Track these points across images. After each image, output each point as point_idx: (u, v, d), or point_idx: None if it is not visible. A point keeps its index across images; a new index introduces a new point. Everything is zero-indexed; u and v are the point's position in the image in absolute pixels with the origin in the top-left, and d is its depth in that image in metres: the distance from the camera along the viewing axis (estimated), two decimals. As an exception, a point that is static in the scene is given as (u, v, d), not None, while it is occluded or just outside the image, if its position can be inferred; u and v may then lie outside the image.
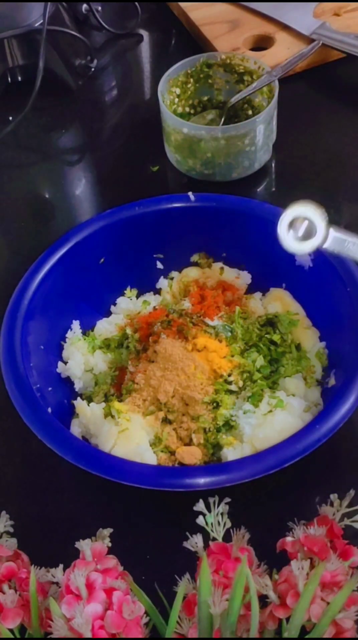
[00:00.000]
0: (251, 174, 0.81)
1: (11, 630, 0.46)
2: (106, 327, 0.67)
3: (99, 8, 0.99)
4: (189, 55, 0.82)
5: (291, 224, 0.54)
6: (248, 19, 0.97)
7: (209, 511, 0.46)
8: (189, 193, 0.68)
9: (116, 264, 0.68)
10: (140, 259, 0.69)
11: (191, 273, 0.70)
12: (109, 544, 0.48)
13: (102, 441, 0.57)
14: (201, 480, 0.50)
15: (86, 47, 0.92)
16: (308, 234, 0.54)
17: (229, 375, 0.61)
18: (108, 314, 0.69)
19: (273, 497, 0.57)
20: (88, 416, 0.60)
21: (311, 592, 0.44)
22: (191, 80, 0.83)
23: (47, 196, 0.86)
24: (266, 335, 0.63)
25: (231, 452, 0.56)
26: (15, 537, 0.50)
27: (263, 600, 0.45)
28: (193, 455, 0.58)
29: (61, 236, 0.66)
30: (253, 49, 0.94)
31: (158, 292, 0.70)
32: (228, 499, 0.47)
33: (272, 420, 0.56)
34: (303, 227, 0.54)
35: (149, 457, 0.56)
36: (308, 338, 0.64)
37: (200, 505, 0.46)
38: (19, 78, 0.92)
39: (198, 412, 0.59)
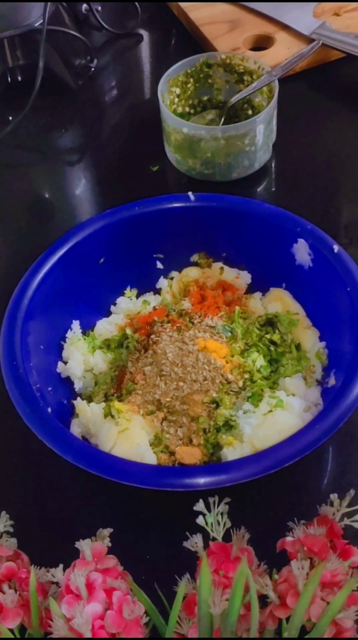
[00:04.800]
0: (251, 174, 0.81)
1: (11, 630, 0.46)
2: (106, 327, 0.67)
3: (99, 8, 0.99)
4: (189, 55, 0.82)
5: None
6: (248, 19, 0.97)
7: (209, 511, 0.46)
8: (189, 193, 0.68)
9: (116, 264, 0.68)
10: (140, 259, 0.69)
11: (191, 273, 0.70)
12: (109, 544, 0.48)
13: (102, 441, 0.57)
14: (201, 480, 0.50)
15: (86, 47, 0.92)
16: None
17: (229, 375, 0.61)
18: (108, 314, 0.69)
19: (273, 497, 0.57)
20: (88, 416, 0.60)
21: (311, 592, 0.44)
22: (191, 80, 0.83)
23: (47, 196, 0.86)
24: (266, 335, 0.63)
25: (231, 452, 0.56)
26: (15, 537, 0.50)
27: (263, 600, 0.45)
28: (193, 455, 0.58)
29: (61, 236, 0.66)
30: (253, 49, 0.94)
31: (158, 292, 0.70)
32: (228, 499, 0.47)
33: (272, 420, 0.56)
34: None
35: (149, 457, 0.56)
36: (308, 338, 0.64)
37: (200, 505, 0.46)
38: (19, 78, 0.92)
39: (198, 412, 0.59)
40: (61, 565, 0.46)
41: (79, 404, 0.61)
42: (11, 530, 0.50)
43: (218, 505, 0.46)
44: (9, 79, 0.92)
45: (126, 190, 0.82)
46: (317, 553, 0.46)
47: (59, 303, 0.65)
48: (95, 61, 0.95)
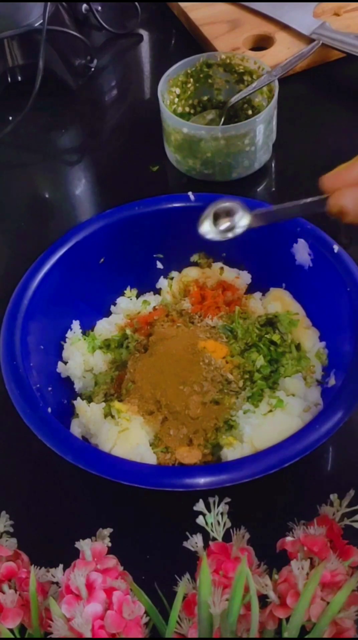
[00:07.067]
0: (251, 173, 0.81)
1: (11, 630, 0.46)
2: (106, 327, 0.67)
3: (99, 8, 0.99)
4: (189, 55, 0.82)
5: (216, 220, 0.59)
6: (248, 18, 0.97)
7: (209, 511, 0.46)
8: (189, 193, 0.68)
9: (116, 264, 0.68)
10: (140, 259, 0.69)
11: (191, 273, 0.70)
12: (109, 544, 0.48)
13: (102, 441, 0.57)
14: (201, 480, 0.50)
15: (86, 47, 0.92)
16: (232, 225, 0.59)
17: (229, 375, 0.61)
18: (108, 314, 0.69)
19: (273, 497, 0.57)
20: (88, 416, 0.60)
21: (311, 592, 0.44)
22: (191, 80, 0.83)
23: (47, 196, 0.86)
24: (266, 335, 0.63)
25: (231, 452, 0.56)
26: (15, 537, 0.50)
27: (263, 600, 0.45)
28: (193, 455, 0.58)
29: (61, 236, 0.66)
30: (253, 49, 0.94)
31: (158, 292, 0.70)
32: (228, 499, 0.47)
33: (272, 420, 0.56)
34: (225, 221, 0.59)
35: (149, 457, 0.56)
36: (308, 338, 0.64)
37: (200, 505, 0.46)
38: (19, 78, 0.92)
39: (198, 412, 0.59)
40: (61, 565, 0.46)
41: (79, 404, 0.61)
42: (11, 530, 0.50)
43: (218, 505, 0.46)
44: (9, 79, 0.92)
45: (126, 190, 0.82)
46: (317, 553, 0.46)
47: (59, 303, 0.65)
48: (95, 61, 0.95)
